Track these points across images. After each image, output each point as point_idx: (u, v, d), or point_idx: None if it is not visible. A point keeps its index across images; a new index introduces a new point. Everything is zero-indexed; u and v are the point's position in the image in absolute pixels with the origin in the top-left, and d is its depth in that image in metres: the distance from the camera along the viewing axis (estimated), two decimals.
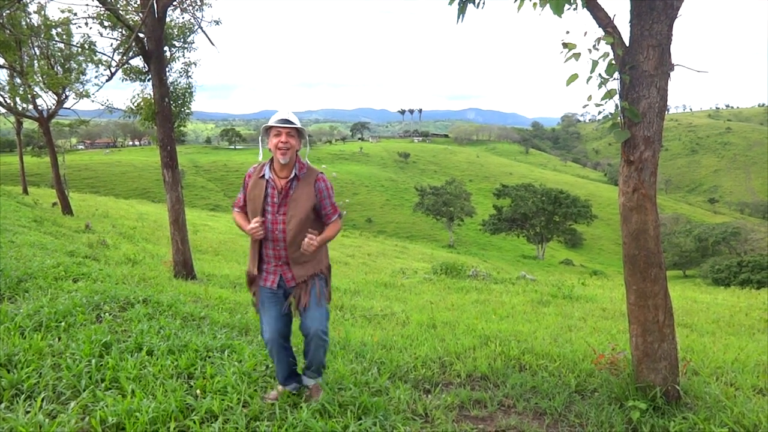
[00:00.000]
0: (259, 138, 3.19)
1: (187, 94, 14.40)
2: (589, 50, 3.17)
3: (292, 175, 3.10)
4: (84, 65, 18.57)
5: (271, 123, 3.05)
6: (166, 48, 12.37)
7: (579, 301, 9.08)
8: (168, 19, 11.94)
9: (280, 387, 3.35)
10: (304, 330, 3.18)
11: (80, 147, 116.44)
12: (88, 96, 17.61)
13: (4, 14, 14.62)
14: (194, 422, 2.87)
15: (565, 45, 3.13)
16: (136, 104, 13.14)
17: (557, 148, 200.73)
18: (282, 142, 3.01)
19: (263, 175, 3.12)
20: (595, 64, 3.15)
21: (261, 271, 3.18)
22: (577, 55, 3.14)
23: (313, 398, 3.28)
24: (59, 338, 3.95)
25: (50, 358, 3.55)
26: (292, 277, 3.13)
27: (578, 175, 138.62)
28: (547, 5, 3.01)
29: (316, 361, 3.27)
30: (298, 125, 3.04)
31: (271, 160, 3.15)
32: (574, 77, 3.18)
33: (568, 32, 3.13)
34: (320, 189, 3.14)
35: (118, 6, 10.54)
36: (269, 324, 3.17)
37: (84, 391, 3.12)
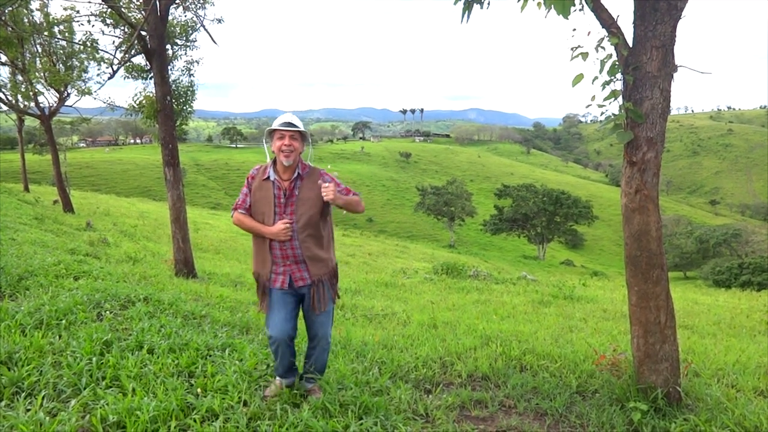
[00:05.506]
0: (264, 141, 3.25)
1: (189, 92, 14.37)
2: (596, 50, 3.16)
3: (296, 175, 3.16)
4: (86, 63, 18.53)
5: (274, 126, 3.11)
6: (168, 46, 12.36)
7: (580, 301, 9.07)
8: (170, 17, 11.92)
9: (278, 380, 3.38)
10: (311, 334, 3.32)
11: (82, 145, 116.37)
12: (89, 93, 17.60)
13: (6, 11, 14.64)
14: (195, 421, 2.87)
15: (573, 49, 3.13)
16: (138, 102, 13.11)
17: (559, 148, 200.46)
18: (285, 145, 3.07)
19: (268, 177, 3.16)
20: (603, 64, 3.15)
21: (270, 272, 3.20)
22: (584, 54, 3.13)
23: (313, 396, 3.31)
24: (60, 336, 3.95)
25: (51, 356, 3.55)
26: (301, 277, 3.18)
27: (579, 176, 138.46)
28: (552, 6, 3.00)
29: (320, 363, 3.40)
30: (302, 128, 3.11)
31: (274, 161, 3.19)
32: (579, 77, 3.18)
33: (575, 29, 3.12)
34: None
35: (121, 4, 10.53)
36: (279, 324, 3.19)
37: (85, 389, 3.12)
